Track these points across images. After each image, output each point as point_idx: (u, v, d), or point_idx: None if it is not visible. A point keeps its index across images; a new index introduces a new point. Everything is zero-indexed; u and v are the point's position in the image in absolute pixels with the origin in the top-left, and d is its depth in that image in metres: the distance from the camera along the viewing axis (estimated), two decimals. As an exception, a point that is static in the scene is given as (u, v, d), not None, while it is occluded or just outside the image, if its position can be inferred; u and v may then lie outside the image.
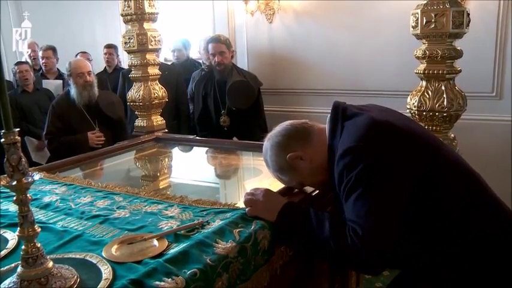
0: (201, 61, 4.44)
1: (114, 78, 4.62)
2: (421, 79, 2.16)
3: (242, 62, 4.33)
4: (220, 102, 3.69)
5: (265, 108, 4.08)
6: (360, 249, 1.19)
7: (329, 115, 1.50)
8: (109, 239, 1.31)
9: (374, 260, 1.21)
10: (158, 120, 3.23)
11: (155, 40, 3.11)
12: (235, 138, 3.39)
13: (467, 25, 2.08)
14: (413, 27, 2.11)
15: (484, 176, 1.53)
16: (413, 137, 1.36)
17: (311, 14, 3.92)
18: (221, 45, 3.59)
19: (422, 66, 2.13)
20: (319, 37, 3.91)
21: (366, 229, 1.19)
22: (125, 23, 3.13)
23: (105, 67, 4.97)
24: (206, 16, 4.63)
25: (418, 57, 2.14)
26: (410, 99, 2.16)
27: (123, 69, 4.63)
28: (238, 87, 3.55)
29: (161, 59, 4.82)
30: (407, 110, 2.18)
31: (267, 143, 1.58)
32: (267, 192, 1.46)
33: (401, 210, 1.25)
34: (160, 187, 2.13)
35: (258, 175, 2.15)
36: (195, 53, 4.73)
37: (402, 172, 1.27)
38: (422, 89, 2.14)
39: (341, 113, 1.49)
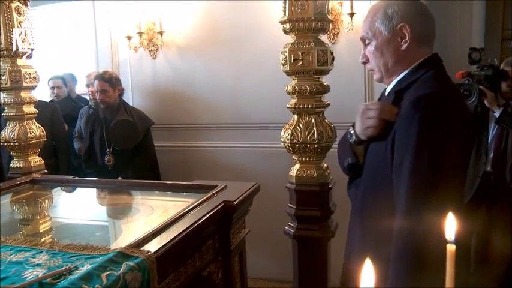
0: (88, 97, 4.30)
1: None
2: (293, 113, 2.28)
3: (127, 97, 4.27)
4: (105, 141, 3.65)
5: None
6: None
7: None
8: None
9: None
10: (36, 160, 3.07)
11: (30, 77, 2.98)
12: (120, 178, 3.32)
13: (332, 62, 2.25)
14: (283, 64, 2.24)
15: None
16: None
17: (194, 49, 3.99)
18: (104, 83, 3.57)
19: (293, 101, 2.26)
20: (203, 71, 3.99)
21: None
22: (-4, 58, 2.97)
23: None
24: (89, 51, 4.52)
25: (288, 93, 2.26)
26: (284, 133, 2.27)
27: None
28: (121, 126, 3.54)
29: (46, 96, 4.64)
30: (281, 143, 2.29)
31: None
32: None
33: None
34: (39, 231, 2.03)
35: (136, 214, 2.14)
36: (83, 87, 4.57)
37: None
38: (294, 122, 2.26)
39: (435, 61, 1.50)
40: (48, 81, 4.48)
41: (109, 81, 3.60)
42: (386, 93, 1.55)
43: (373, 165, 1.50)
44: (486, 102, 3.06)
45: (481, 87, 3.00)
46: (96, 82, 3.64)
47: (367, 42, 1.54)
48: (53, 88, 4.44)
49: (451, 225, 0.73)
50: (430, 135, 1.28)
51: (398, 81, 1.49)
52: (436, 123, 1.29)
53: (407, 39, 1.45)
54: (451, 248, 0.69)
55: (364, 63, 1.59)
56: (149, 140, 3.77)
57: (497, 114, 3.12)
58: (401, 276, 1.28)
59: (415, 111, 1.31)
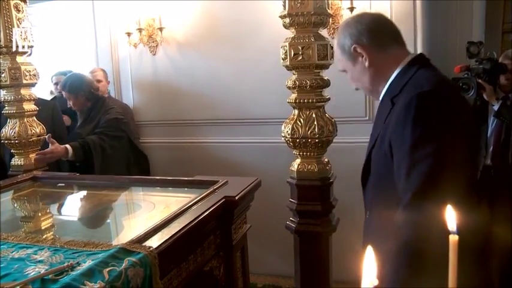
0: None
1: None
2: (294, 108, 2.28)
3: (127, 94, 4.28)
4: None
5: (152, 141, 4.06)
6: None
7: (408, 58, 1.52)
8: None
9: None
10: (37, 157, 3.07)
11: (30, 74, 2.98)
12: None
13: (332, 57, 2.24)
14: (283, 59, 2.24)
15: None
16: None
17: (194, 45, 3.99)
18: (66, 93, 3.43)
19: (293, 96, 2.26)
20: (203, 67, 3.98)
21: None
22: (-4, 56, 2.97)
23: None
24: (89, 48, 4.51)
25: (289, 88, 2.26)
26: (284, 127, 2.27)
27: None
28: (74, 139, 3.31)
29: (47, 93, 4.64)
30: (282, 138, 2.29)
31: (351, 18, 1.62)
32: None
33: None
34: (40, 228, 2.03)
35: (137, 210, 2.14)
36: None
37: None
38: (295, 117, 2.26)
39: (422, 60, 1.53)
40: (52, 77, 4.49)
41: (69, 89, 3.41)
42: (380, 99, 1.57)
43: (377, 173, 1.53)
44: (485, 96, 3.06)
45: (479, 80, 3.00)
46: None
47: (344, 72, 1.66)
48: (56, 84, 4.43)
49: (451, 217, 0.73)
50: (425, 134, 1.29)
51: (389, 86, 1.52)
52: (429, 121, 1.30)
53: (364, 56, 1.52)
54: (453, 238, 0.69)
55: (357, 89, 1.69)
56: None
57: (496, 107, 3.12)
58: (402, 269, 1.26)
59: (407, 113, 1.32)
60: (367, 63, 1.53)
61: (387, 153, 1.40)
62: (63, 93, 3.50)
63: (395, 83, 1.49)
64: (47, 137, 3.05)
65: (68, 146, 3.11)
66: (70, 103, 3.46)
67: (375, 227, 1.54)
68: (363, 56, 1.53)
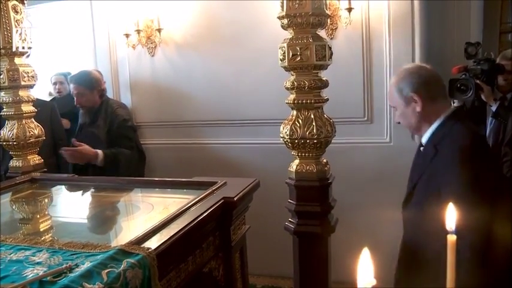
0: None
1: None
2: (292, 108, 2.28)
3: (125, 95, 4.28)
4: None
5: (150, 142, 4.06)
6: None
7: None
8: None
9: None
10: (35, 159, 3.06)
11: (28, 76, 2.97)
12: None
13: (330, 57, 2.24)
14: (281, 60, 2.23)
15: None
16: None
17: (192, 46, 3.99)
18: (79, 86, 3.37)
19: (292, 97, 2.25)
20: (202, 68, 3.99)
21: None
22: (-6, 57, 2.96)
23: None
24: (87, 49, 4.51)
25: (287, 88, 2.25)
26: (283, 128, 2.27)
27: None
28: (85, 139, 3.27)
29: (45, 94, 4.64)
30: (281, 139, 2.28)
31: (413, 68, 2.00)
32: None
33: None
34: (38, 230, 2.03)
35: (136, 211, 2.14)
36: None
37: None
38: (293, 118, 2.25)
39: (459, 115, 2.01)
40: (51, 77, 4.49)
41: (85, 84, 3.36)
42: (424, 144, 2.00)
43: (420, 201, 1.95)
44: (483, 97, 3.07)
45: (477, 81, 3.00)
46: (71, 85, 3.41)
47: (394, 109, 2.10)
48: (55, 84, 4.44)
49: (451, 217, 0.73)
50: (469, 174, 1.75)
51: (432, 134, 1.94)
52: (472, 163, 1.77)
53: (418, 103, 1.92)
54: (451, 238, 0.69)
55: (399, 123, 2.09)
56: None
57: (493, 108, 3.12)
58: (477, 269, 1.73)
59: (456, 160, 1.79)
60: (418, 109, 1.92)
61: (438, 188, 1.82)
62: (75, 87, 3.40)
63: (437, 131, 1.92)
64: (72, 140, 3.08)
65: (99, 151, 3.14)
66: (82, 99, 3.38)
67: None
68: (416, 102, 1.92)
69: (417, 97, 1.91)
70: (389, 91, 2.07)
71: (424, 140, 2.00)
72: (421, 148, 2.04)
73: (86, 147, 3.12)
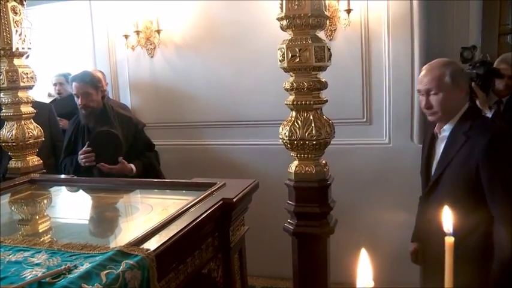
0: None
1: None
2: (291, 110, 2.28)
3: (125, 96, 4.28)
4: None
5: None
6: None
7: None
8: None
9: None
10: (34, 160, 3.06)
11: (27, 77, 2.97)
12: None
13: (329, 58, 2.24)
14: (280, 61, 2.23)
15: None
16: None
17: (191, 48, 3.99)
18: (84, 85, 3.21)
19: (291, 98, 2.25)
20: (201, 69, 3.99)
21: None
22: (-7, 58, 2.96)
23: None
24: (87, 50, 4.52)
25: (286, 89, 2.25)
26: (282, 129, 2.26)
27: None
28: (102, 138, 3.13)
29: (45, 96, 4.64)
30: (280, 140, 2.28)
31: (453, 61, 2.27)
32: None
33: None
34: (37, 231, 2.02)
35: (135, 212, 2.14)
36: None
37: None
38: (293, 119, 2.25)
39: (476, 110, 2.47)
40: (52, 78, 4.49)
41: (91, 82, 3.23)
42: (447, 134, 2.21)
43: (456, 184, 2.13)
44: (478, 103, 3.05)
45: (472, 85, 2.98)
46: (74, 84, 3.26)
47: (433, 92, 2.17)
48: (55, 84, 4.44)
49: (448, 219, 0.73)
50: (505, 164, 1.99)
51: (457, 124, 2.17)
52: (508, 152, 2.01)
53: (463, 92, 2.18)
54: (449, 240, 0.69)
55: (428, 108, 2.21)
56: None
57: (489, 115, 3.09)
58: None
59: (493, 149, 2.00)
60: (460, 97, 2.17)
61: (472, 174, 2.04)
62: (80, 86, 3.23)
63: (463, 121, 2.15)
64: (119, 159, 3.08)
65: (133, 166, 3.17)
66: (87, 99, 3.21)
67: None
68: (462, 91, 2.16)
69: (464, 85, 2.18)
70: (437, 74, 2.17)
71: (447, 128, 2.21)
72: (441, 136, 2.24)
73: (123, 166, 3.10)
